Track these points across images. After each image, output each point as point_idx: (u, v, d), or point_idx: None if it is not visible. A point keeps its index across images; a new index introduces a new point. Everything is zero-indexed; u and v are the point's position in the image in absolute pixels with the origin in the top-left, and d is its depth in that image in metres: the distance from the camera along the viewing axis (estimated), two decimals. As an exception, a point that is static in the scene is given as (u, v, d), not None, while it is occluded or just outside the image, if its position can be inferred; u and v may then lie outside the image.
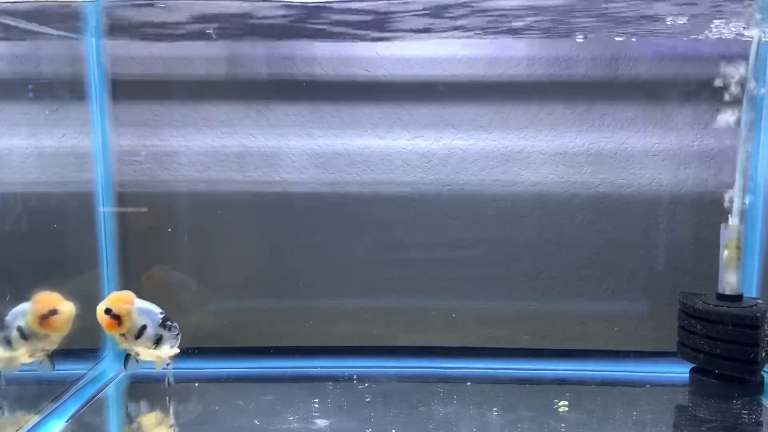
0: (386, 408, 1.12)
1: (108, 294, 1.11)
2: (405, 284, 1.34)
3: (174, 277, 1.33)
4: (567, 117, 1.31)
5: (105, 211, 1.29)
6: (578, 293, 1.33)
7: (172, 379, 1.12)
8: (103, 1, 1.00)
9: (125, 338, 1.09)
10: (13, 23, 1.04)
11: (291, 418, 1.08)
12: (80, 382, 1.20)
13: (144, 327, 1.08)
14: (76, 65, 1.24)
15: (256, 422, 1.07)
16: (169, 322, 1.10)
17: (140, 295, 1.10)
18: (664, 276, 1.31)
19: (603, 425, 1.07)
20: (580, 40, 1.25)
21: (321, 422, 1.06)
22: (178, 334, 1.11)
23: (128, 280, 1.31)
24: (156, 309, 1.10)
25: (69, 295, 1.19)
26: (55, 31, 1.16)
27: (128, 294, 1.09)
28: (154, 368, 1.12)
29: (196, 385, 1.21)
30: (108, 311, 1.06)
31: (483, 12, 1.05)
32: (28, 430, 1.02)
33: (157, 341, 1.09)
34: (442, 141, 1.32)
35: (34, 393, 1.10)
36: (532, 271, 1.33)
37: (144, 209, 1.32)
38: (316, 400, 1.14)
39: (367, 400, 1.15)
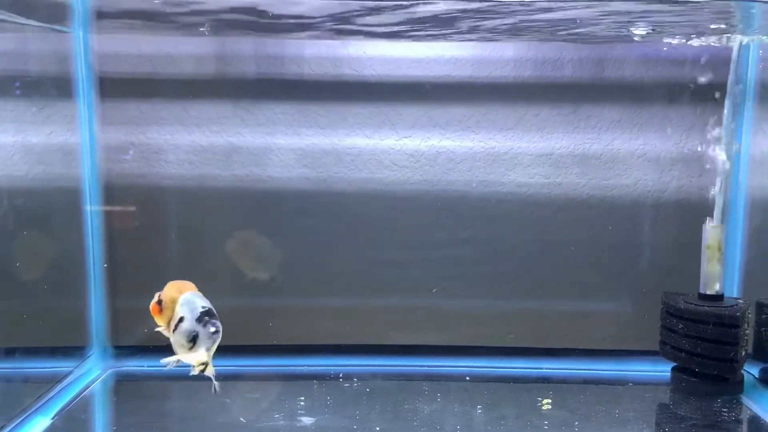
0: (371, 406, 1.12)
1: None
2: (392, 283, 1.34)
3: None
4: (553, 118, 1.32)
5: (92, 209, 1.29)
6: (563, 293, 1.34)
7: (217, 387, 0.91)
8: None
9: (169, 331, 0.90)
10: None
11: (277, 415, 1.08)
12: (66, 380, 1.20)
13: (181, 320, 0.88)
14: (63, 61, 1.24)
15: (242, 419, 1.07)
16: (207, 318, 0.87)
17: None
18: (648, 276, 1.33)
19: (586, 423, 1.08)
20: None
21: (306, 420, 1.07)
22: (215, 333, 0.87)
23: (113, 277, 1.31)
24: (201, 302, 0.89)
25: (54, 290, 1.19)
26: (43, 24, 1.15)
27: (185, 283, 0.92)
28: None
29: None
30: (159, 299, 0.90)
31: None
32: (13, 427, 1.02)
33: (194, 339, 0.87)
34: (430, 141, 1.33)
35: (18, 390, 1.10)
36: (518, 271, 1.34)
37: (131, 207, 1.32)
38: (302, 398, 1.15)
39: (356, 397, 1.15)
